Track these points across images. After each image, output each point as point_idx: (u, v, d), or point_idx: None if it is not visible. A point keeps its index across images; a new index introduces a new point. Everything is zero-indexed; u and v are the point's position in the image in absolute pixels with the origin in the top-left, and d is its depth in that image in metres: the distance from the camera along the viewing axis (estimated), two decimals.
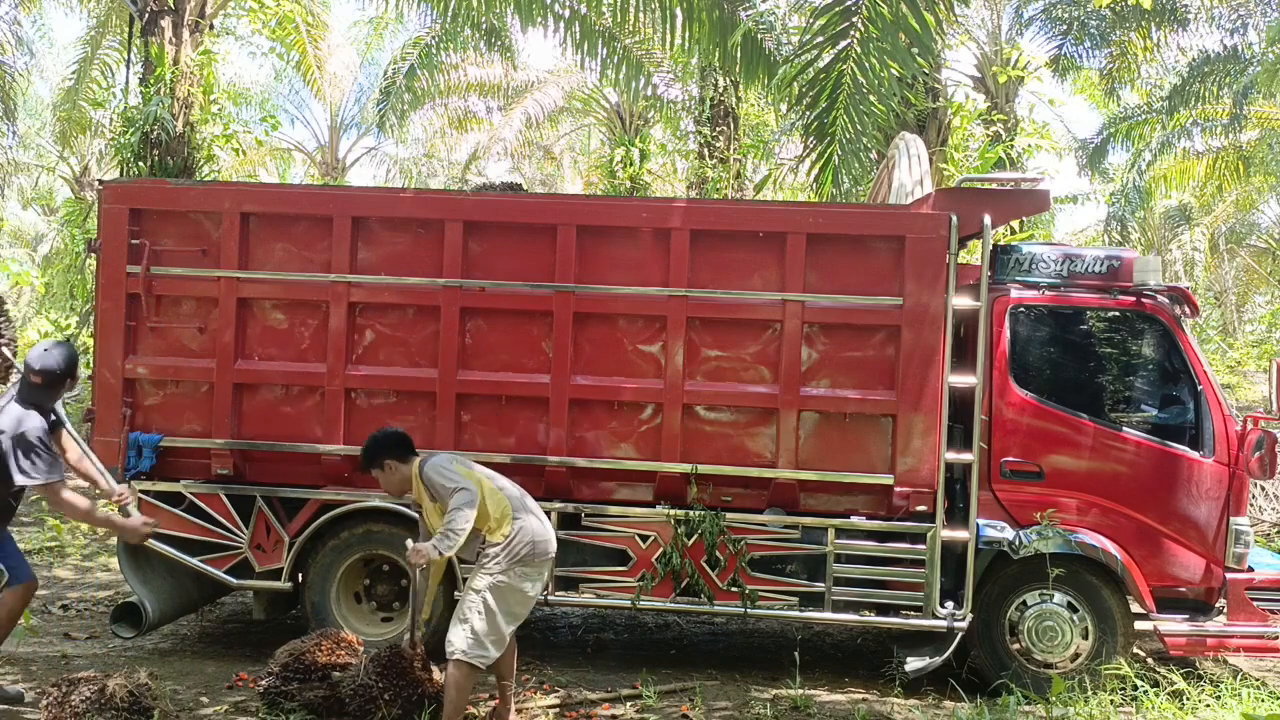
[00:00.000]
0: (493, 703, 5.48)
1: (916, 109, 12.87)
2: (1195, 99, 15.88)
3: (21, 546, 6.12)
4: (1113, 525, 6.12)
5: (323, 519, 6.32)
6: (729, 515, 6.15)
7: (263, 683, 5.48)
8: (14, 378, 5.62)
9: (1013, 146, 13.85)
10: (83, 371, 5.85)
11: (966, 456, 6.09)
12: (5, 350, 5.75)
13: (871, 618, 6.28)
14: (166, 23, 12.99)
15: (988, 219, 6.12)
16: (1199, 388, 6.18)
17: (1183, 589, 6.18)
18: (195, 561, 6.38)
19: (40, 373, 5.37)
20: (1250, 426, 6.12)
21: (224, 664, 6.41)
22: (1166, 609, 6.13)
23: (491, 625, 4.89)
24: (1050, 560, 5.96)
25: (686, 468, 6.15)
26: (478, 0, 10.37)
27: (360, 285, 6.31)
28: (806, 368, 6.15)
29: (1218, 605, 6.18)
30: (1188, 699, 5.51)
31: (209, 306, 6.38)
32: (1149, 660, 6.76)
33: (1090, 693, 5.63)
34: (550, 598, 6.28)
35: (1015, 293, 6.32)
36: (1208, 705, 5.43)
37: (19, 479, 5.26)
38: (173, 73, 12.79)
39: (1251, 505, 10.63)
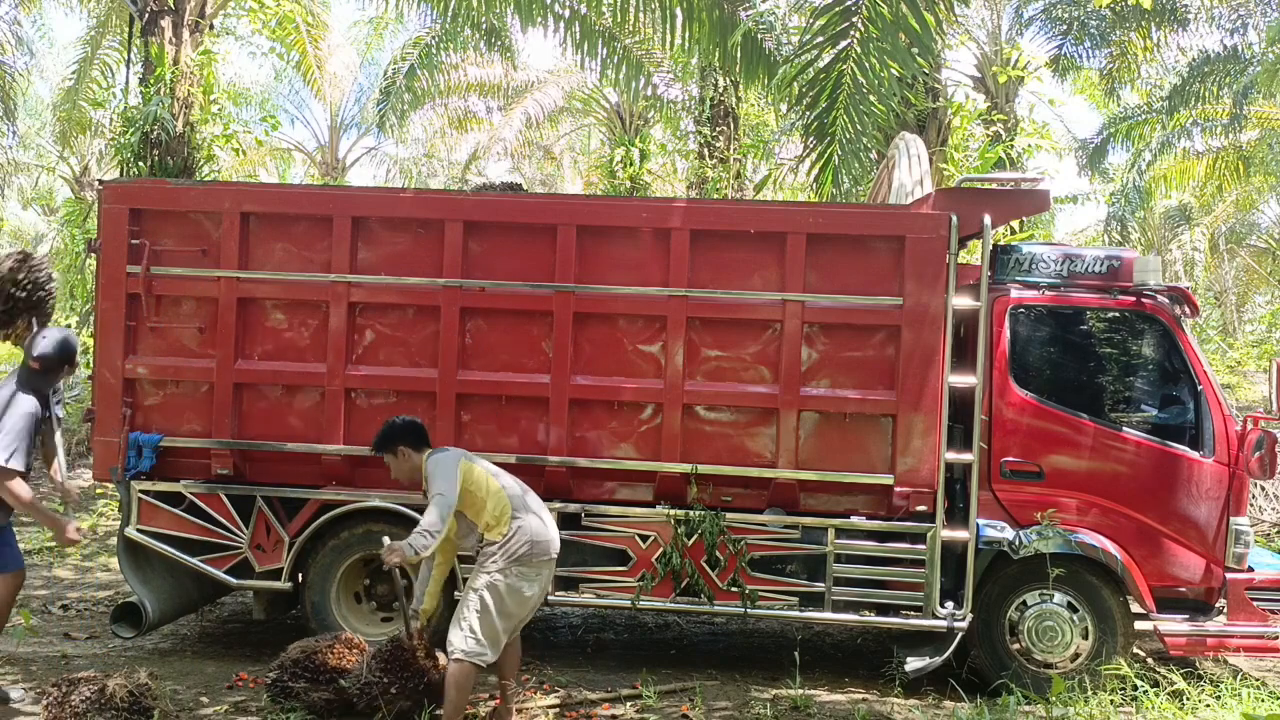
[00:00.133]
0: (493, 703, 5.49)
1: (916, 109, 12.86)
2: (1195, 99, 15.88)
3: (22, 546, 6.13)
4: (1113, 525, 6.12)
5: (323, 519, 6.32)
6: (729, 515, 6.15)
7: (270, 675, 5.49)
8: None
9: (1013, 146, 13.84)
10: (81, 358, 5.86)
11: (966, 456, 6.09)
12: (31, 295, 5.67)
13: (871, 618, 6.28)
14: (166, 23, 12.99)
15: (988, 219, 6.12)
16: (1199, 388, 6.18)
17: (1183, 589, 6.18)
18: (195, 561, 6.38)
19: (38, 358, 5.50)
20: (1250, 426, 6.12)
21: (224, 664, 6.41)
22: (1166, 609, 6.13)
23: (488, 625, 4.89)
24: (1050, 560, 5.96)
25: (686, 468, 6.15)
26: (478, 0, 10.37)
27: (360, 285, 6.31)
28: (806, 368, 6.15)
29: (1218, 605, 6.18)
30: (1188, 699, 5.51)
31: (209, 306, 6.38)
32: (1149, 660, 6.76)
33: (1090, 693, 5.63)
34: (550, 598, 6.27)
35: (1015, 293, 6.32)
36: (1208, 705, 5.43)
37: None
38: (173, 73, 12.79)
39: (1251, 505, 10.63)
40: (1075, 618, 6.12)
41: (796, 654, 6.17)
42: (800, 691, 5.87)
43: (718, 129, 16.29)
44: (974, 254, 7.10)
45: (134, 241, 6.35)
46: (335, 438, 6.28)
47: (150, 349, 6.42)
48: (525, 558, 4.94)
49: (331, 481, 6.40)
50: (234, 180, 14.54)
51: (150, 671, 5.31)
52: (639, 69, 13.79)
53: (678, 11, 9.48)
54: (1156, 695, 5.51)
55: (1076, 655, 6.12)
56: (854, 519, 6.17)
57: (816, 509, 6.24)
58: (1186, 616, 6.15)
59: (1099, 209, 23.91)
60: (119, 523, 6.66)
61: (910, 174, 7.11)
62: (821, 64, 7.34)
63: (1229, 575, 6.10)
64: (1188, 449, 6.16)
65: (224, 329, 6.34)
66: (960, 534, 6.08)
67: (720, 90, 16.06)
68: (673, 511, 6.17)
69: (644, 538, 6.19)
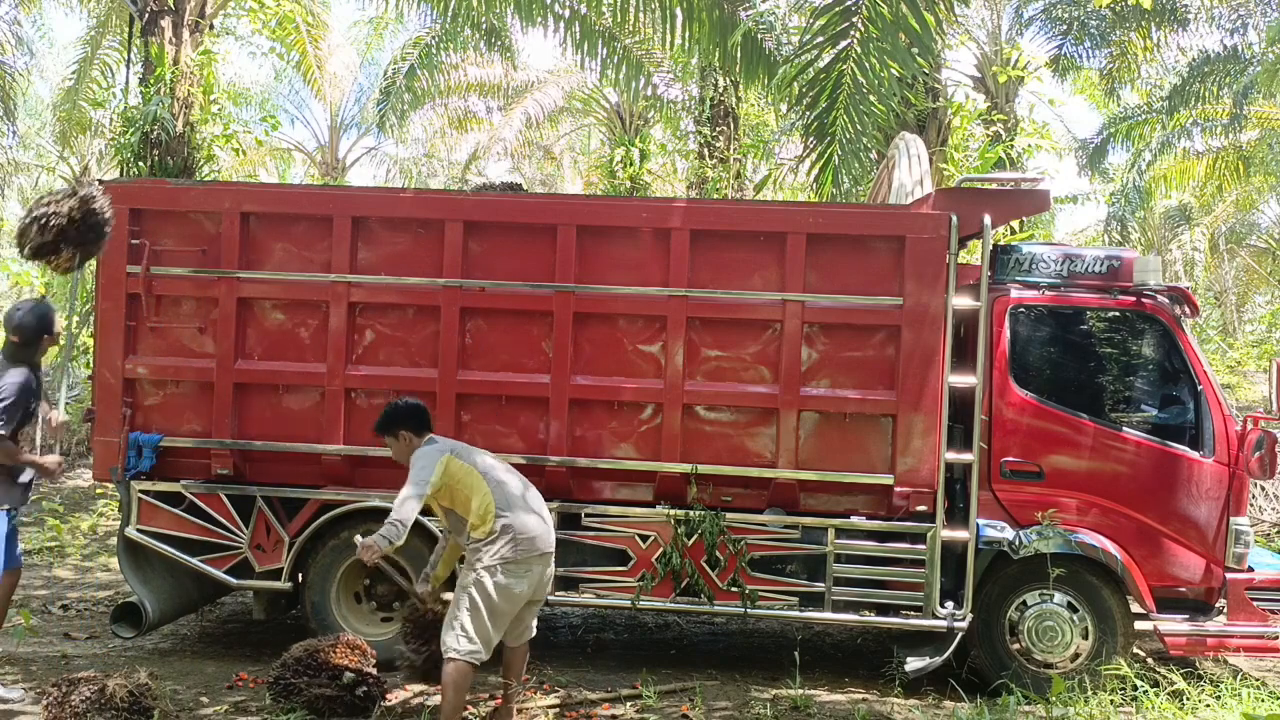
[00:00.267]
0: (493, 703, 5.49)
1: (916, 109, 12.86)
2: (1195, 99, 15.87)
3: (22, 546, 6.12)
4: (1113, 525, 6.12)
5: (323, 519, 6.32)
6: (729, 515, 6.15)
7: (272, 674, 5.49)
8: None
9: (1013, 146, 13.84)
10: (60, 326, 5.90)
11: (966, 456, 6.09)
12: (84, 233, 5.59)
13: (871, 618, 6.28)
14: (166, 23, 12.99)
15: (988, 219, 6.12)
16: (1199, 388, 6.18)
17: (1183, 589, 6.18)
18: (195, 561, 6.38)
19: (16, 330, 5.65)
20: (1250, 426, 6.12)
21: (224, 664, 6.41)
22: (1166, 609, 6.13)
23: (479, 623, 4.87)
24: (1050, 560, 5.96)
25: (686, 468, 6.15)
26: (478, 0, 10.37)
27: (360, 285, 6.31)
28: (806, 368, 6.15)
29: (1218, 605, 6.18)
30: (1188, 699, 5.51)
31: (209, 306, 6.38)
32: (1149, 660, 6.76)
33: (1090, 693, 5.63)
34: (550, 598, 6.27)
35: (1015, 293, 6.32)
36: (1208, 705, 5.42)
37: None
38: (173, 73, 12.79)
39: (1251, 505, 10.63)
40: (1075, 618, 6.12)
41: (796, 654, 6.16)
42: (800, 691, 5.87)
43: (718, 129, 16.29)
44: (974, 254, 7.10)
45: (134, 241, 6.35)
46: (335, 438, 6.28)
47: (150, 349, 6.43)
48: (512, 555, 4.90)
49: (331, 481, 6.40)
50: (234, 180, 14.54)
51: (150, 671, 5.31)
52: (639, 69, 13.78)
53: (678, 11, 9.48)
54: (1156, 695, 5.51)
55: (1076, 655, 6.12)
56: (854, 519, 6.17)
57: (816, 509, 6.24)
58: (1186, 616, 6.15)
59: (1099, 209, 23.92)
60: (119, 523, 6.66)
61: (910, 174, 7.11)
62: (821, 64, 7.34)
63: (1229, 575, 6.10)
64: (1188, 449, 6.16)
65: (224, 329, 6.34)
66: (960, 534, 6.08)
67: (720, 90, 16.06)
68: (673, 511, 6.17)
69: (644, 538, 6.19)
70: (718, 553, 6.11)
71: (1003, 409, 6.20)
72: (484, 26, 13.51)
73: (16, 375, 5.59)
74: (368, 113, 21.90)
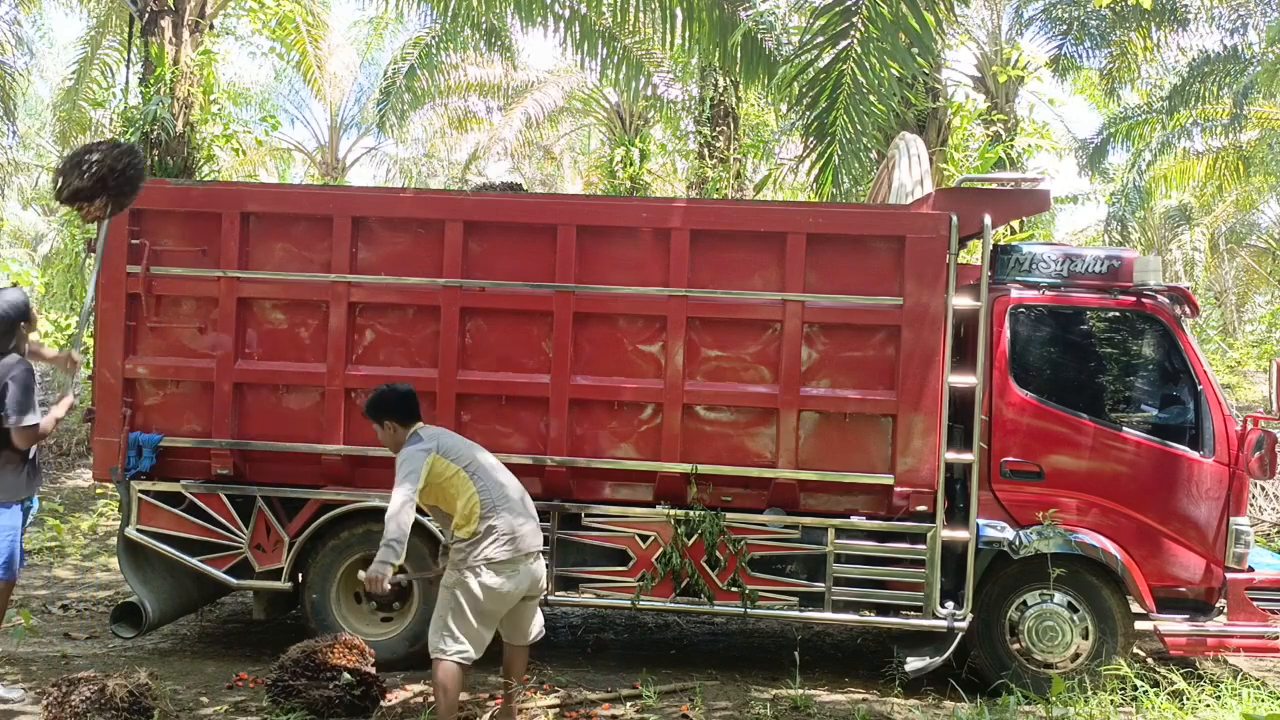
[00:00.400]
0: (494, 703, 5.48)
1: (916, 109, 12.86)
2: (1195, 99, 15.88)
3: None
4: (1113, 525, 6.12)
5: (323, 519, 6.32)
6: (729, 515, 6.15)
7: (271, 674, 5.49)
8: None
9: (1013, 146, 13.85)
10: (37, 313, 5.91)
11: (966, 456, 6.09)
12: (121, 185, 5.68)
13: (871, 618, 6.28)
14: (166, 23, 12.99)
15: (988, 219, 6.12)
16: (1199, 388, 6.18)
17: (1183, 589, 6.18)
18: (195, 561, 6.38)
19: None
20: (1250, 426, 6.12)
21: (224, 664, 6.41)
22: (1166, 609, 6.13)
23: (464, 623, 4.85)
24: (1050, 560, 5.96)
25: (686, 468, 6.15)
26: (478, 0, 10.38)
27: (360, 285, 6.31)
28: (806, 368, 6.15)
29: (1218, 605, 6.18)
30: (1188, 699, 5.51)
31: (209, 306, 6.38)
32: (1149, 660, 6.76)
33: (1090, 693, 5.63)
34: (550, 598, 6.28)
35: (1015, 293, 6.32)
36: (1208, 705, 5.43)
37: (12, 420, 5.44)
38: (173, 73, 12.79)
39: (1251, 505, 10.63)
40: (1075, 618, 6.12)
41: (796, 654, 6.16)
42: (800, 691, 5.87)
43: (718, 129, 16.29)
44: (974, 254, 7.10)
45: (134, 241, 6.35)
46: (335, 438, 6.28)
47: (150, 349, 6.42)
48: (497, 555, 4.86)
49: (331, 481, 6.39)
50: (234, 180, 14.54)
51: (150, 671, 5.31)
52: (639, 69, 13.79)
53: (678, 11, 9.48)
54: (1156, 695, 5.51)
55: (1076, 655, 6.12)
56: (854, 519, 6.17)
57: (816, 509, 6.24)
58: (1186, 616, 6.15)
59: (1099, 209, 23.94)
60: (119, 523, 6.66)
61: (910, 174, 7.11)
62: (821, 64, 7.34)
63: (1229, 575, 6.10)
64: (1188, 449, 6.16)
65: (224, 329, 6.33)
66: (960, 534, 6.08)
67: (720, 90, 16.06)
68: (673, 511, 6.17)
69: (644, 538, 6.19)
70: (718, 553, 6.11)
71: (1003, 409, 6.20)
72: (484, 26, 13.52)
73: (19, 362, 5.58)
74: (368, 113, 21.90)
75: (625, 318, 6.27)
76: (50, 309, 19.34)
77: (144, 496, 6.38)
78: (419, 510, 4.97)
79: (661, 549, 6.16)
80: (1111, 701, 5.55)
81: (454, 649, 4.85)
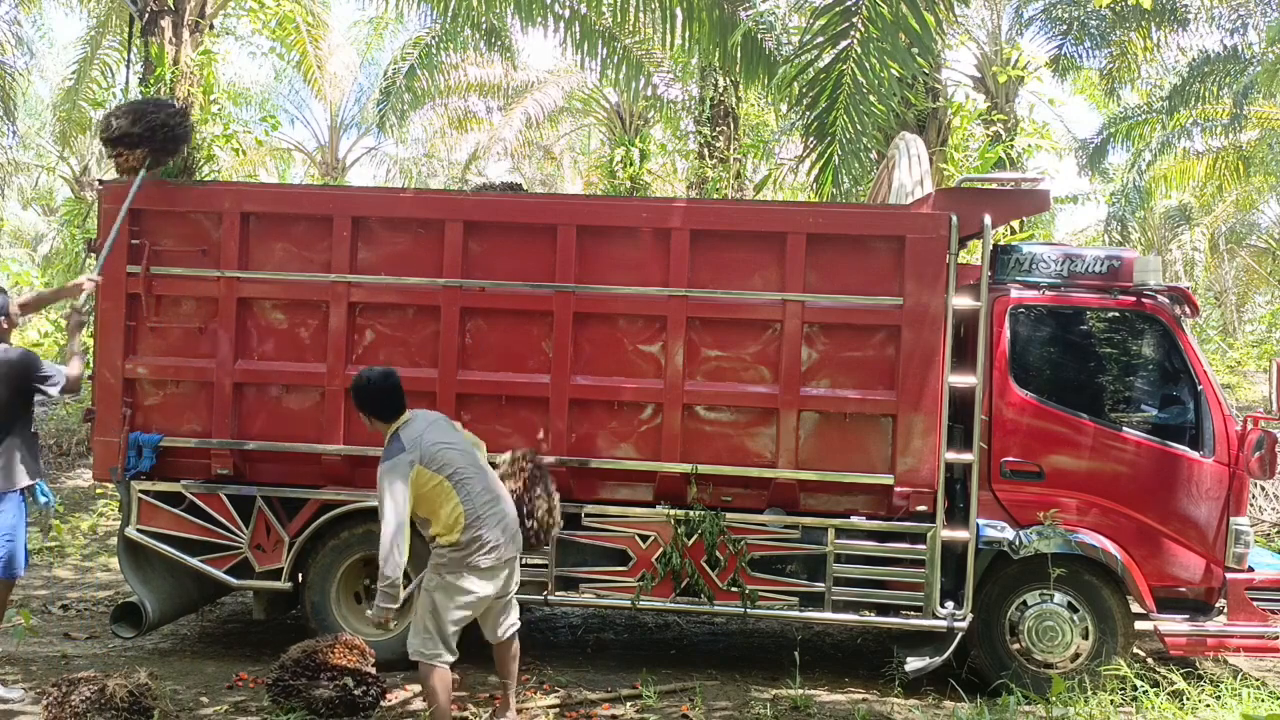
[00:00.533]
0: (494, 703, 5.49)
1: (916, 109, 12.86)
2: (1195, 99, 15.88)
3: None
4: (1113, 525, 6.12)
5: (323, 519, 6.32)
6: (729, 515, 6.15)
7: (272, 673, 5.50)
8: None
9: (1013, 146, 13.85)
10: (17, 310, 5.94)
11: (966, 456, 6.09)
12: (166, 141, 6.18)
13: (871, 618, 6.28)
14: (166, 23, 12.98)
15: (988, 219, 6.12)
16: (1199, 388, 6.18)
17: (1183, 589, 6.18)
18: (195, 561, 6.38)
19: None
20: (1250, 426, 6.12)
21: (224, 664, 6.41)
22: (1166, 609, 6.13)
23: (440, 625, 4.91)
24: (1050, 560, 5.96)
25: (686, 468, 6.15)
26: (478, 0, 10.37)
27: (360, 285, 6.31)
28: (806, 368, 6.15)
29: (1218, 605, 6.18)
30: (1188, 699, 5.51)
31: (209, 306, 6.38)
32: (1149, 660, 6.76)
33: (1090, 693, 5.63)
34: (550, 598, 6.29)
35: (1015, 293, 6.32)
36: (1208, 705, 5.43)
37: (53, 390, 5.66)
38: (173, 73, 12.79)
39: (1251, 505, 10.63)
40: (1075, 618, 6.12)
41: (796, 654, 6.17)
42: (800, 691, 5.87)
43: (718, 129, 16.28)
44: (974, 254, 7.10)
45: (134, 241, 6.35)
46: (335, 438, 6.28)
47: (150, 349, 6.43)
48: (476, 563, 4.89)
49: (331, 481, 6.39)
50: (234, 180, 14.54)
51: (150, 671, 5.31)
52: (639, 69, 13.78)
53: (678, 11, 9.48)
54: (1156, 695, 5.51)
55: (1076, 655, 6.12)
56: (854, 519, 6.17)
57: (816, 509, 6.24)
58: (1186, 616, 6.15)
59: (1099, 209, 23.95)
60: (119, 523, 6.66)
61: (910, 174, 7.11)
62: (821, 64, 7.34)
63: (1229, 575, 6.10)
64: (1188, 449, 6.16)
65: (224, 329, 6.34)
66: (960, 534, 6.08)
67: (720, 90, 16.05)
68: (673, 511, 6.17)
69: (644, 538, 6.19)
70: (718, 553, 6.11)
71: (1003, 409, 6.20)
72: (484, 26, 13.51)
73: (7, 350, 5.67)
74: (368, 113, 21.91)
75: (625, 318, 6.27)
76: (50, 309, 19.33)
77: (144, 496, 6.39)
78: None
79: (661, 549, 6.16)
80: (1111, 701, 5.55)
81: (431, 651, 4.91)
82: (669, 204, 6.90)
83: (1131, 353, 6.51)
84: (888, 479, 6.09)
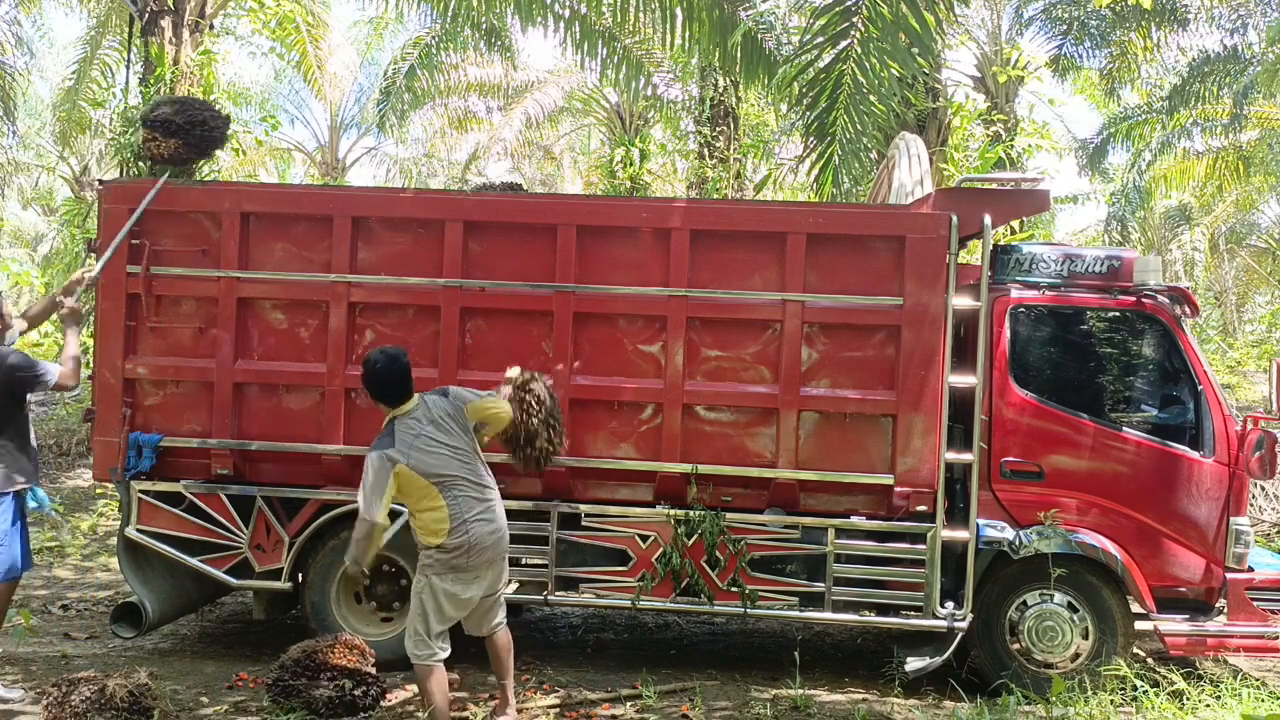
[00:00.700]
0: (493, 703, 5.49)
1: (916, 109, 12.87)
2: (1195, 99, 15.88)
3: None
4: (1113, 525, 6.11)
5: (323, 519, 6.32)
6: (729, 515, 6.15)
7: (272, 673, 5.50)
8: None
9: (1013, 146, 13.86)
10: (10, 310, 5.95)
11: (966, 456, 6.09)
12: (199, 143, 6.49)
13: (871, 618, 6.28)
14: (166, 23, 12.99)
15: (988, 219, 6.12)
16: (1199, 388, 6.18)
17: (1183, 589, 6.17)
18: (195, 562, 6.38)
19: None
20: (1250, 426, 6.12)
21: (224, 664, 6.41)
22: (1166, 609, 6.12)
23: (428, 626, 4.95)
24: (1051, 560, 5.96)
25: (686, 468, 6.14)
26: (478, 0, 10.37)
27: (360, 285, 6.31)
28: (806, 368, 6.15)
29: (1218, 605, 6.18)
30: (1188, 699, 5.51)
31: (209, 306, 6.38)
32: (1149, 660, 6.76)
33: (1090, 693, 5.63)
34: (550, 598, 6.29)
35: (1015, 293, 6.31)
36: (1208, 705, 5.43)
37: (46, 381, 5.65)
38: (173, 73, 12.80)
39: (1251, 505, 10.63)
40: (1075, 618, 6.12)
41: (796, 654, 6.16)
42: (800, 691, 5.87)
43: (718, 129, 16.29)
44: (974, 254, 7.10)
45: (134, 241, 6.35)
46: (335, 438, 6.28)
47: (150, 349, 6.42)
48: (464, 564, 4.92)
49: (331, 481, 6.39)
50: (234, 180, 14.54)
51: (150, 671, 5.31)
52: (639, 69, 13.79)
53: (678, 11, 9.48)
54: (1156, 695, 5.51)
55: (1076, 655, 6.12)
56: (854, 519, 6.17)
57: (816, 509, 6.24)
58: (1186, 616, 6.15)
59: (1099, 209, 23.98)
60: (119, 523, 6.66)
61: (910, 174, 7.11)
62: (821, 64, 7.34)
63: (1229, 575, 6.10)
64: (1188, 449, 6.16)
65: (224, 329, 6.34)
66: (960, 534, 6.08)
67: (720, 90, 16.06)
68: (673, 511, 6.17)
69: (644, 538, 6.19)
70: (718, 553, 6.10)
71: (1003, 409, 6.20)
72: (484, 26, 13.51)
73: (2, 348, 5.66)
74: (368, 113, 21.92)
75: (625, 318, 6.26)
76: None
77: (144, 496, 6.38)
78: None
79: (661, 549, 6.15)
80: (1111, 701, 5.55)
81: (425, 652, 4.94)
82: (669, 204, 6.90)
83: (1131, 353, 6.51)
84: (888, 479, 6.09)
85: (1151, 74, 17.49)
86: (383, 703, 5.55)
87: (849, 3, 6.94)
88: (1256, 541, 7.25)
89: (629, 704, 5.82)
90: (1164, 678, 5.89)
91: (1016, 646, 6.16)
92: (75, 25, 47.95)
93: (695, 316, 6.18)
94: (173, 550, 6.39)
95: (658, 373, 6.20)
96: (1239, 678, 6.04)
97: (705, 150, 16.41)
